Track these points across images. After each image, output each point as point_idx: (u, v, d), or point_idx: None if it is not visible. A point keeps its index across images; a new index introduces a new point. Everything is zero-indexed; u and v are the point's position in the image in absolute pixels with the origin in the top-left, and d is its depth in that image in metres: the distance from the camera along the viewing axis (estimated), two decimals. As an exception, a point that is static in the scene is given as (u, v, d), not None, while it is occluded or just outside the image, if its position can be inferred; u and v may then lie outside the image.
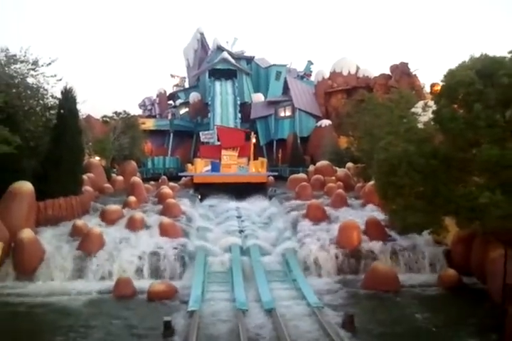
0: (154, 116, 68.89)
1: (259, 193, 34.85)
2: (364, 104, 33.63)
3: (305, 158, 49.24)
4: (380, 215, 20.95)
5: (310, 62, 73.83)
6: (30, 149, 22.37)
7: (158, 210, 23.96)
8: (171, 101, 73.73)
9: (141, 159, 42.94)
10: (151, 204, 26.17)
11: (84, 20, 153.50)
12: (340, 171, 32.83)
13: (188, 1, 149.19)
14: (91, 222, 20.98)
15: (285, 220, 23.95)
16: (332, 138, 45.41)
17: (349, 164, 34.47)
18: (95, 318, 13.51)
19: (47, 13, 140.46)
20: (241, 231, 22.86)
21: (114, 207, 22.73)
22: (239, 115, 57.24)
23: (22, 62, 22.91)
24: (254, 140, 46.25)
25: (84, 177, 26.43)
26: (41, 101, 24.01)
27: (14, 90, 22.13)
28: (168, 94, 73.34)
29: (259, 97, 61.35)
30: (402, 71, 49.28)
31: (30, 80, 23.34)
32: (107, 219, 21.70)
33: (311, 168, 38.47)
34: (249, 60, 66.64)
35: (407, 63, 49.71)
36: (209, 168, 42.12)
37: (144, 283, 16.31)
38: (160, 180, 36.54)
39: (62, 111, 22.96)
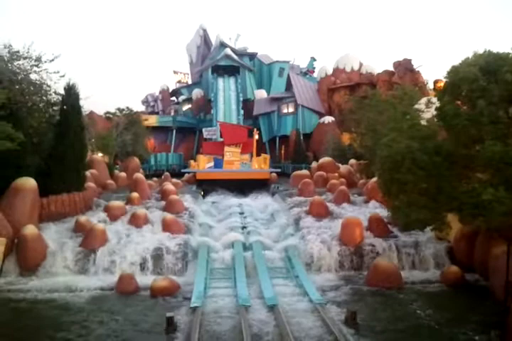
0: (157, 113, 68.82)
1: (262, 189, 34.88)
2: (367, 101, 33.55)
3: (308, 154, 49.21)
4: (382, 212, 20.95)
5: (313, 59, 73.62)
6: (33, 145, 22.44)
7: (161, 206, 24.04)
8: (173, 98, 73.64)
9: (144, 155, 42.91)
10: (154, 201, 26.22)
11: (87, 16, 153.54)
12: (343, 168, 32.79)
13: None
14: (94, 218, 21.02)
15: (288, 217, 23.96)
16: (335, 135, 45.38)
17: (352, 160, 34.44)
18: (98, 314, 13.55)
19: (50, 9, 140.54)
20: (244, 228, 22.86)
21: (117, 203, 22.79)
22: (242, 111, 57.17)
23: (25, 58, 22.92)
24: (256, 136, 46.26)
25: (87, 173, 26.47)
26: (44, 98, 24.02)
27: (17, 86, 22.16)
28: (171, 90, 73.26)
29: (262, 94, 61.26)
30: (405, 67, 49.12)
31: (33, 76, 23.36)
32: (110, 215, 21.76)
33: (314, 164, 38.44)
34: (252, 56, 66.53)
35: (410, 59, 49.56)
36: (212, 164, 42.19)
37: (146, 279, 16.37)
38: (163, 177, 36.55)
39: (65, 107, 23.00)
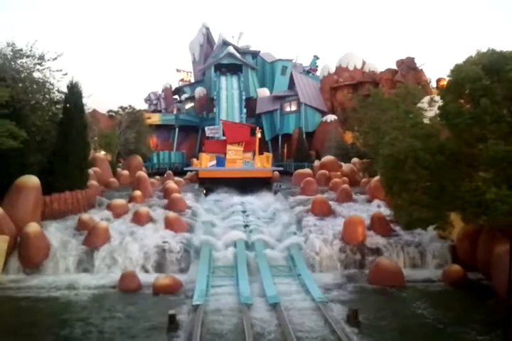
0: (160, 111, 68.81)
1: (265, 188, 34.86)
2: (370, 99, 33.54)
3: (310, 153, 49.13)
4: (385, 210, 20.96)
5: (316, 57, 73.54)
6: (36, 143, 22.52)
7: (164, 205, 24.06)
8: (176, 96, 73.65)
9: (147, 154, 42.91)
10: (156, 199, 26.27)
11: (90, 15, 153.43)
12: (346, 166, 32.78)
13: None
14: (97, 216, 21.06)
15: (290, 215, 23.95)
16: (337, 133, 45.32)
17: (354, 159, 34.42)
18: (100, 312, 13.58)
19: (53, 7, 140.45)
20: (246, 226, 22.87)
21: (119, 201, 22.84)
22: (244, 110, 57.06)
23: (28, 56, 22.97)
24: (259, 135, 46.18)
25: (90, 171, 26.52)
26: (47, 96, 24.08)
27: (20, 85, 22.21)
28: (173, 88, 73.26)
29: (264, 92, 61.18)
30: (408, 66, 49.00)
31: (36, 75, 23.43)
32: (113, 213, 21.82)
33: (317, 163, 38.43)
34: (255, 54, 66.46)
35: (413, 58, 49.43)
36: (214, 162, 42.18)
37: (149, 277, 16.44)
38: (165, 175, 36.56)
39: (68, 105, 23.05)
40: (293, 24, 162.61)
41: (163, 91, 72.63)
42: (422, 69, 48.84)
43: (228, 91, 59.20)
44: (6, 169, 19.58)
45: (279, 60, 64.66)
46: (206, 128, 50.82)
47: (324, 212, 22.41)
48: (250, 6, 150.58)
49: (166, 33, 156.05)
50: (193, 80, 72.93)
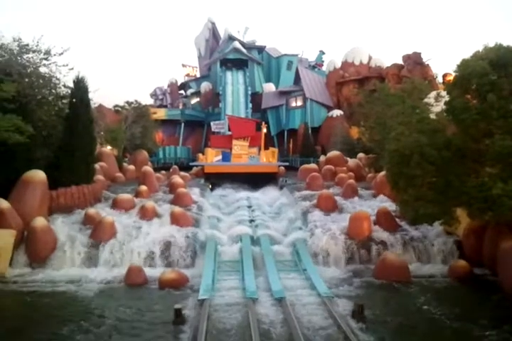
0: (165, 106, 68.87)
1: (270, 183, 34.89)
2: (376, 94, 33.45)
3: (316, 148, 49.09)
4: (391, 206, 20.92)
5: (322, 52, 73.36)
6: (42, 138, 22.61)
7: (170, 199, 24.11)
8: (182, 91, 73.69)
9: (153, 148, 43.01)
10: (162, 194, 26.32)
11: (96, 9, 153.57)
12: (352, 161, 32.72)
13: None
14: (103, 211, 21.15)
15: (296, 210, 23.95)
16: (343, 129, 45.26)
17: (360, 154, 34.37)
18: (107, 306, 13.64)
19: (59, 2, 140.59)
20: (252, 221, 22.90)
21: (125, 195, 22.91)
22: (250, 105, 57.07)
23: (34, 51, 22.97)
24: (265, 130, 46.16)
25: (96, 166, 26.59)
26: (54, 91, 24.11)
27: (27, 80, 22.23)
28: (179, 83, 73.27)
29: (270, 87, 61.13)
30: (414, 61, 48.80)
31: (42, 70, 23.43)
32: (119, 207, 21.90)
33: (322, 158, 38.38)
34: (261, 49, 66.35)
35: (419, 53, 49.21)
36: (220, 157, 42.24)
37: (155, 272, 16.52)
38: (171, 170, 36.61)
39: (74, 100, 23.10)
40: (299, 19, 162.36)
41: (168, 86, 72.64)
42: (428, 65, 48.63)
43: (234, 86, 59.18)
44: (13, 164, 19.66)
45: (285, 55, 64.56)
46: (212, 123, 50.88)
47: (330, 207, 22.40)
48: (256, 1, 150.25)
49: (171, 28, 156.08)
50: (198, 75, 72.92)
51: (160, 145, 51.37)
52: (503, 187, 11.83)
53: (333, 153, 35.76)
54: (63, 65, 24.00)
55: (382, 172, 23.37)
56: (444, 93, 17.58)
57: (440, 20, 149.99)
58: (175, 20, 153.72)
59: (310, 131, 50.81)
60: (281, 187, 32.69)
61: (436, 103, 23.37)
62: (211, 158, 41.74)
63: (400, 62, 50.96)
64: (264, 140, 43.90)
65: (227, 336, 11.34)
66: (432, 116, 17.23)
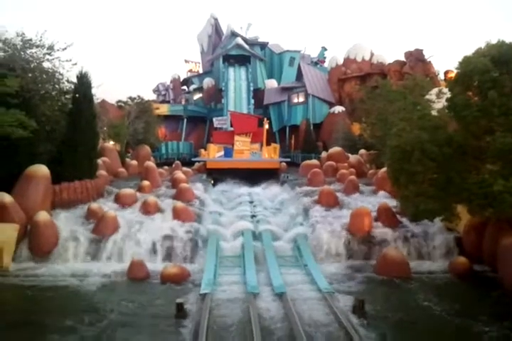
0: (168, 102, 68.79)
1: (272, 179, 34.93)
2: (378, 91, 33.42)
3: (318, 144, 49.03)
4: (392, 202, 20.97)
5: (324, 48, 73.14)
6: (46, 133, 22.69)
7: (172, 195, 24.19)
8: (184, 87, 73.58)
9: (155, 144, 43.06)
10: (164, 189, 26.41)
11: (98, 5, 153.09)
12: (353, 158, 32.74)
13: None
14: (105, 206, 21.25)
15: (297, 206, 24.04)
16: (345, 125, 45.21)
17: (362, 150, 34.38)
18: (109, 300, 13.76)
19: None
20: (253, 216, 22.99)
21: (128, 190, 22.99)
22: (252, 101, 56.93)
23: (38, 46, 23.05)
24: (267, 126, 46.16)
25: (99, 161, 26.68)
26: (57, 86, 24.20)
27: (30, 75, 22.32)
28: (182, 79, 73.19)
29: (272, 83, 61.04)
30: (416, 57, 48.66)
31: (45, 65, 23.51)
32: (122, 202, 22.00)
33: (324, 154, 38.36)
34: (263, 45, 66.22)
35: (421, 50, 49.05)
36: (222, 153, 42.28)
37: (157, 266, 16.65)
38: (173, 165, 36.66)
39: (77, 95, 23.15)
40: (301, 15, 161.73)
41: (171, 82, 72.56)
42: (430, 61, 48.48)
43: (236, 82, 59.09)
44: (16, 158, 19.77)
45: (287, 51, 64.39)
46: (214, 119, 50.88)
47: (331, 203, 22.46)
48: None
49: (174, 24, 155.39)
50: (201, 71, 72.80)
51: (162, 140, 51.32)
52: (504, 183, 11.88)
53: (335, 149, 35.78)
54: (66, 60, 24.12)
55: (384, 169, 23.42)
56: (445, 90, 17.59)
57: (442, 17, 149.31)
58: (178, 16, 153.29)
59: (312, 127, 50.76)
60: (282, 183, 32.74)
61: (438, 100, 23.40)
62: (213, 154, 41.81)
63: (402, 58, 50.80)
64: (266, 136, 43.92)
65: (229, 330, 11.44)
66: (434, 112, 17.25)
